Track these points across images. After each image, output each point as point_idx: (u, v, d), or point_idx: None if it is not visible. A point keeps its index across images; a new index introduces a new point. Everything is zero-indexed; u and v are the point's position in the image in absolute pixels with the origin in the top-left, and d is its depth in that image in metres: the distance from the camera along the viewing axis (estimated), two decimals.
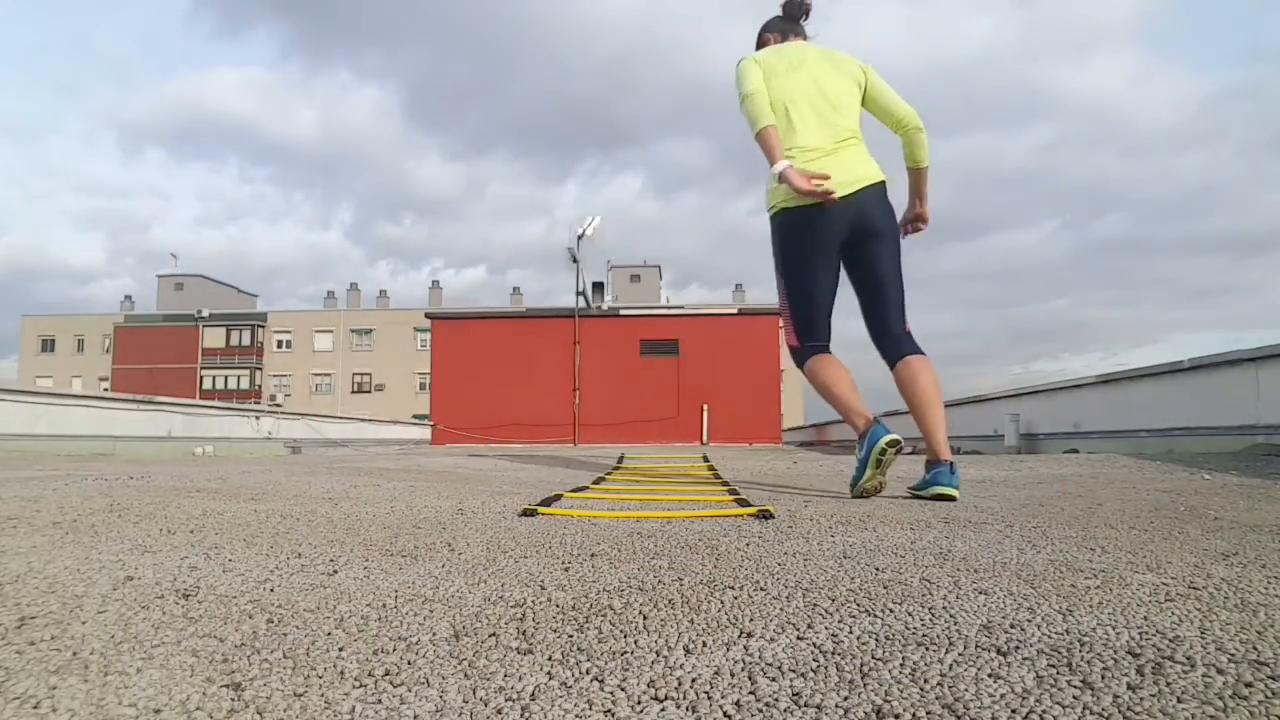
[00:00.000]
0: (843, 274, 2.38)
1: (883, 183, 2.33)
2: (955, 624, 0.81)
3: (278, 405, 36.22)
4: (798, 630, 0.80)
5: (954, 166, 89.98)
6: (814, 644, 0.75)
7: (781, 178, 2.19)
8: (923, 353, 2.31)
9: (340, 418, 13.36)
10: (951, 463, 2.11)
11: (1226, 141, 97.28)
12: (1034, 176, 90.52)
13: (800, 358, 2.42)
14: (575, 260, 13.16)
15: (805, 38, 2.54)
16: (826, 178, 2.17)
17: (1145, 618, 0.83)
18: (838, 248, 2.31)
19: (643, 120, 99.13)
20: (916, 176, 2.45)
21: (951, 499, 2.04)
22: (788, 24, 2.56)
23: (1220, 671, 0.66)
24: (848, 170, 2.25)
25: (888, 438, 2.10)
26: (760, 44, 2.57)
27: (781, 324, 2.49)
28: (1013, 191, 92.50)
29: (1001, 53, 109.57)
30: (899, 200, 2.41)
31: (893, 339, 2.34)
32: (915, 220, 2.50)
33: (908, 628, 0.80)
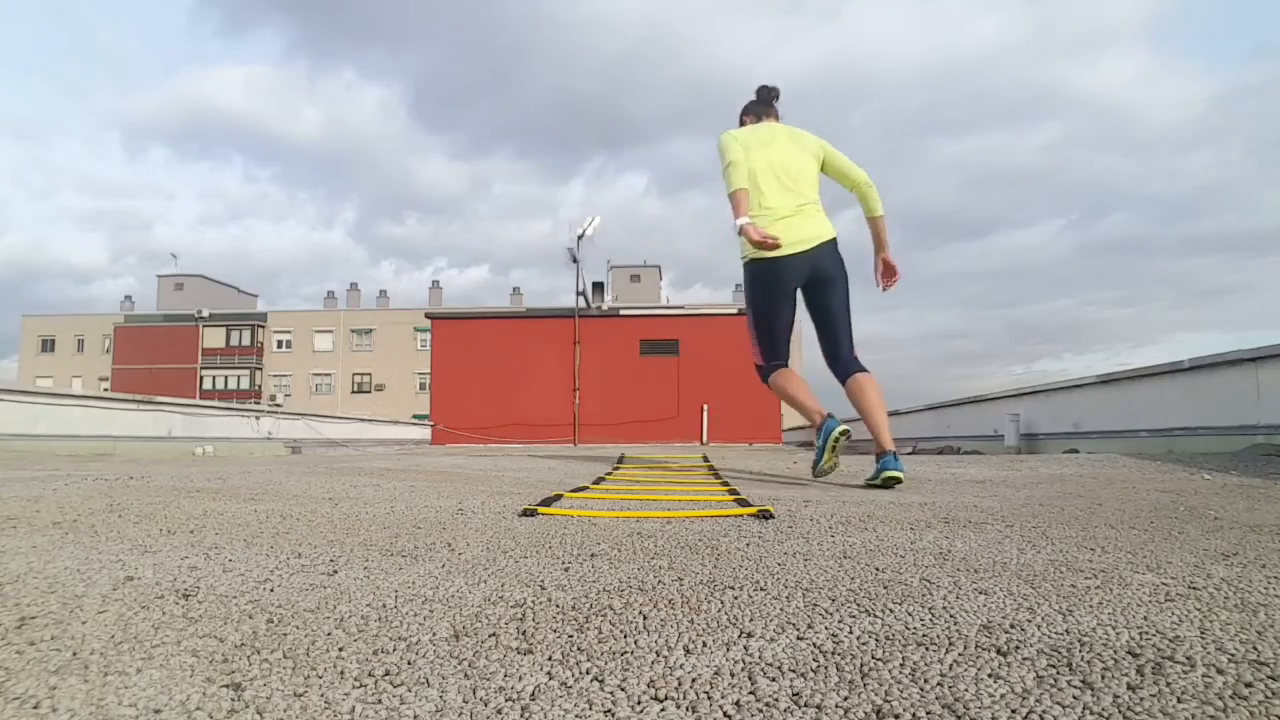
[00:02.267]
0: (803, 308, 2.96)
1: (833, 239, 2.88)
2: (955, 624, 0.81)
3: (278, 405, 36.20)
4: (798, 630, 0.80)
5: (959, 165, 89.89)
6: (814, 644, 0.75)
7: (740, 230, 2.73)
8: (867, 371, 2.82)
9: (340, 418, 13.35)
10: (894, 451, 2.57)
11: (1234, 140, 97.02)
12: (1040, 175, 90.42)
13: (764, 373, 3.01)
14: (575, 260, 13.17)
15: (777, 118, 3.10)
16: (775, 238, 2.72)
17: (1145, 618, 0.83)
18: (794, 290, 2.88)
19: (649, 119, 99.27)
20: (874, 224, 3.01)
21: (898, 480, 2.45)
22: (761, 107, 3.12)
23: (1220, 671, 0.66)
24: (804, 230, 2.82)
25: (840, 428, 2.65)
26: (741, 123, 3.12)
27: (751, 350, 3.06)
28: (1018, 190, 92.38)
29: (1010, 51, 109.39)
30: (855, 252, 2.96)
31: (843, 362, 2.86)
32: (885, 273, 3.03)
33: (908, 628, 0.80)
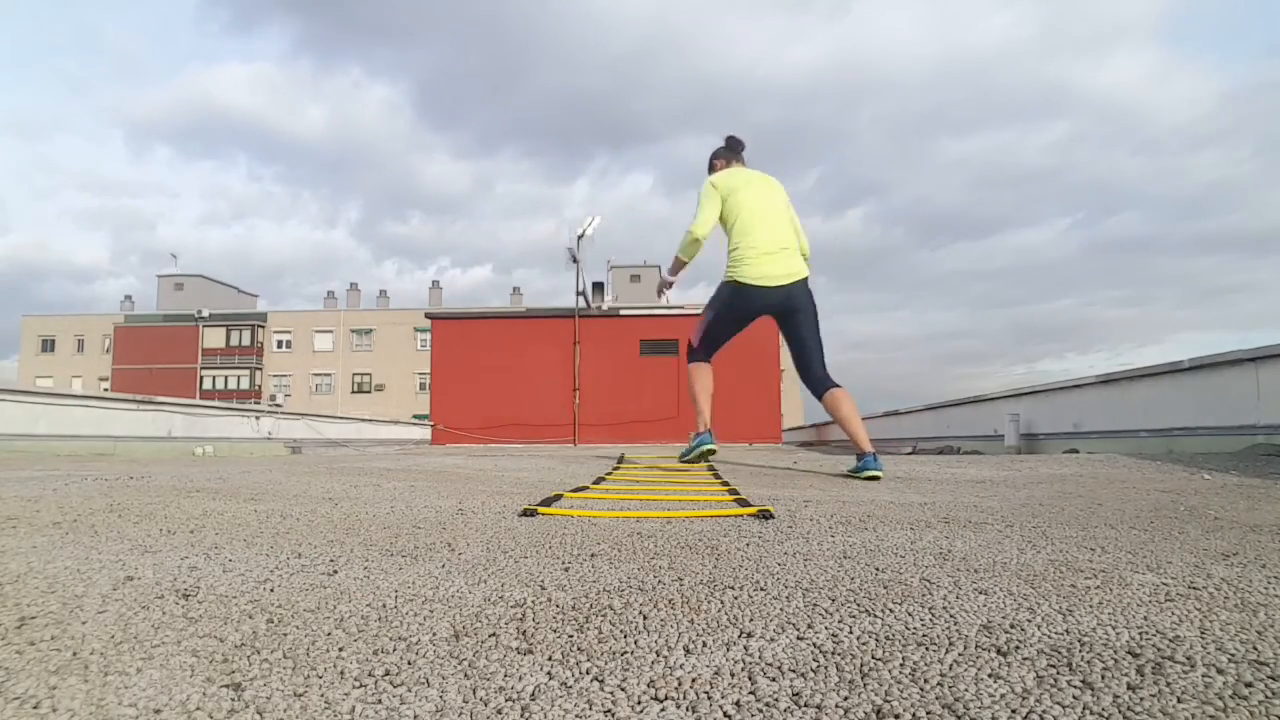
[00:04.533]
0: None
1: (805, 278, 3.38)
2: (955, 624, 0.81)
3: (278, 405, 36.19)
4: (798, 630, 0.80)
5: (966, 164, 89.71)
6: (814, 644, 0.75)
7: (669, 272, 3.67)
8: (840, 386, 3.29)
9: (340, 418, 13.34)
10: (873, 453, 3.00)
11: (1244, 138, 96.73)
12: (1047, 174, 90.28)
13: (692, 355, 3.55)
14: (575, 260, 13.16)
15: (744, 164, 3.61)
16: (670, 284, 3.89)
17: (1145, 618, 0.83)
18: (756, 315, 3.41)
19: (656, 117, 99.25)
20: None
21: (877, 479, 2.84)
22: (731, 154, 3.64)
23: (1220, 671, 0.66)
24: (782, 266, 3.31)
25: (709, 446, 3.40)
26: (711, 166, 3.64)
27: (694, 331, 3.57)
28: (1025, 189, 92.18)
29: (1019, 49, 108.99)
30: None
31: (815, 379, 3.34)
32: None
33: (908, 628, 0.80)
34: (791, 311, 3.34)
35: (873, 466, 2.92)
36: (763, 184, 3.48)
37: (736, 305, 3.39)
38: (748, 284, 3.31)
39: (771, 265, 3.30)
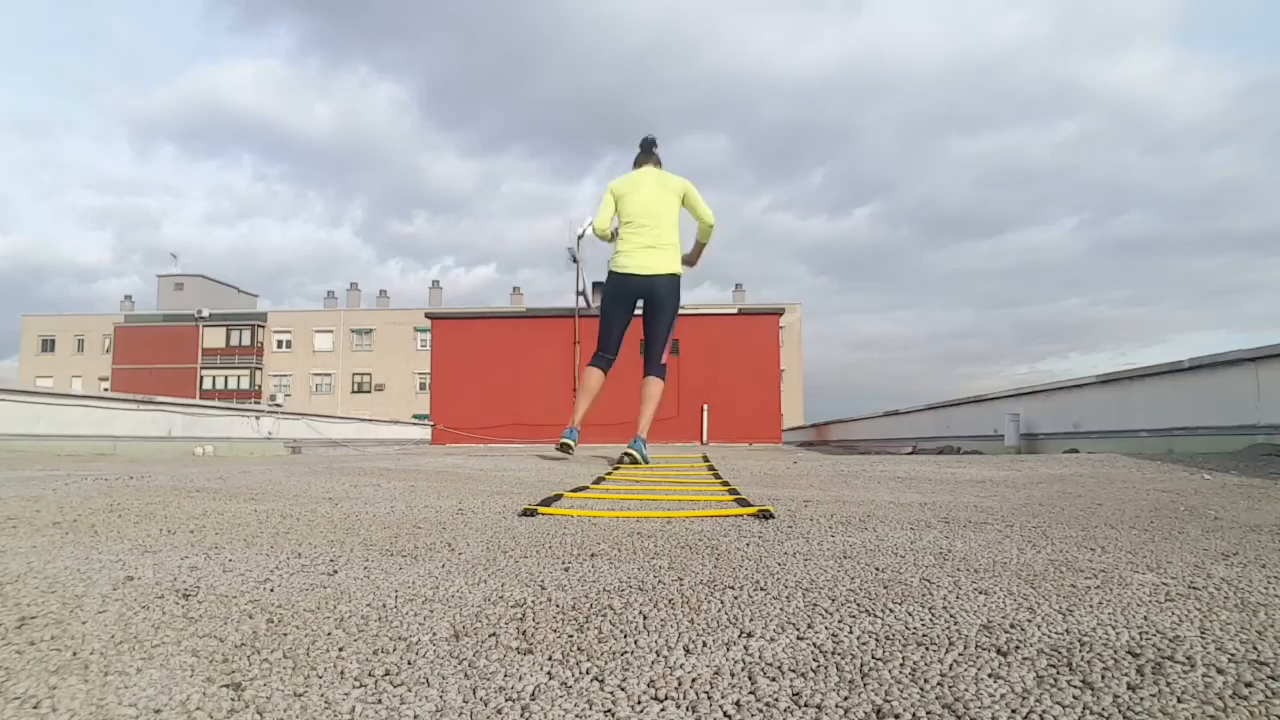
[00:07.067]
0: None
1: (672, 274, 3.96)
2: (955, 624, 0.81)
3: (278, 405, 36.18)
4: (798, 630, 0.80)
5: (974, 163, 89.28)
6: (814, 644, 0.75)
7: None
8: (659, 377, 4.05)
9: (340, 418, 13.32)
10: (642, 437, 3.77)
11: (1256, 137, 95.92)
12: (1056, 173, 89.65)
13: (592, 359, 4.09)
14: (575, 260, 13.16)
15: (657, 163, 4.13)
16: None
17: (1145, 618, 0.83)
18: (632, 302, 4.04)
19: (663, 116, 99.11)
20: (698, 244, 4.19)
21: (633, 458, 3.59)
22: (642, 155, 4.15)
23: (1220, 671, 0.66)
24: (649, 259, 3.91)
25: (567, 441, 3.90)
26: (635, 165, 4.16)
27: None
28: (1033, 188, 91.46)
29: (1032, 47, 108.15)
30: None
31: (648, 365, 4.01)
32: (690, 261, 4.18)
33: (908, 628, 0.80)
34: (653, 303, 3.98)
35: (634, 446, 3.62)
36: (653, 184, 3.98)
37: (610, 291, 4.02)
38: (619, 272, 3.96)
39: (642, 258, 3.91)
